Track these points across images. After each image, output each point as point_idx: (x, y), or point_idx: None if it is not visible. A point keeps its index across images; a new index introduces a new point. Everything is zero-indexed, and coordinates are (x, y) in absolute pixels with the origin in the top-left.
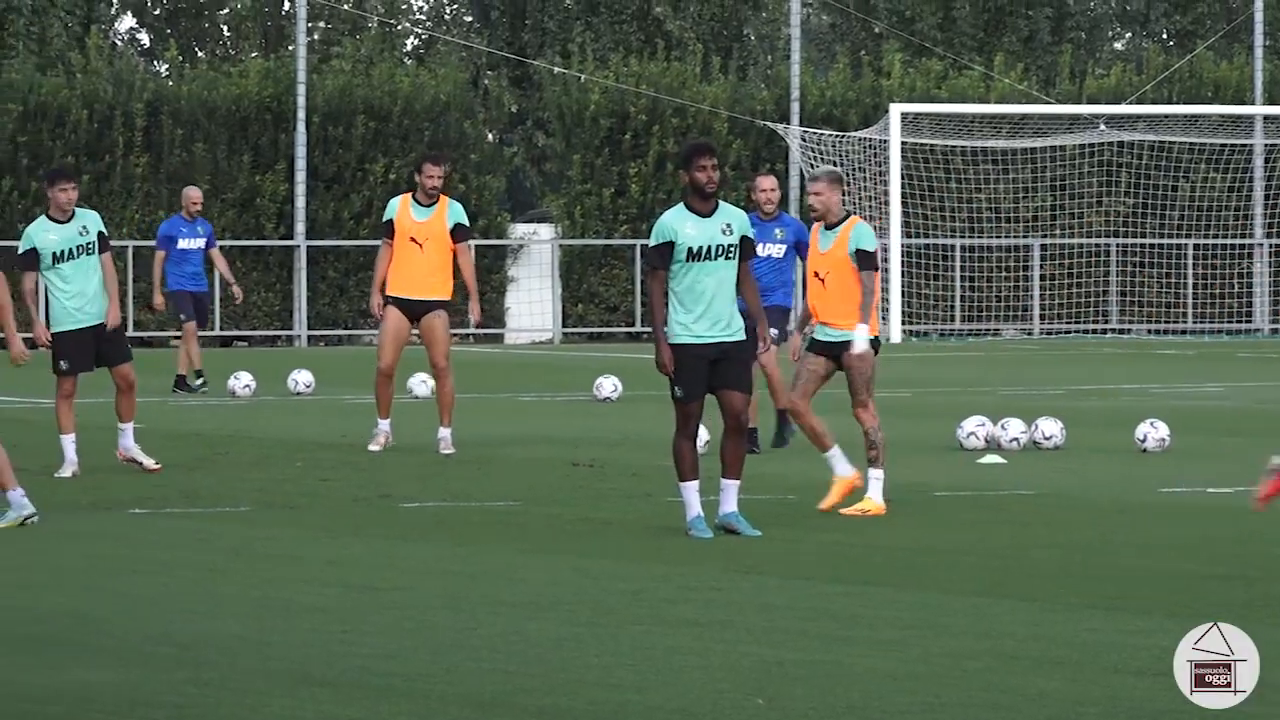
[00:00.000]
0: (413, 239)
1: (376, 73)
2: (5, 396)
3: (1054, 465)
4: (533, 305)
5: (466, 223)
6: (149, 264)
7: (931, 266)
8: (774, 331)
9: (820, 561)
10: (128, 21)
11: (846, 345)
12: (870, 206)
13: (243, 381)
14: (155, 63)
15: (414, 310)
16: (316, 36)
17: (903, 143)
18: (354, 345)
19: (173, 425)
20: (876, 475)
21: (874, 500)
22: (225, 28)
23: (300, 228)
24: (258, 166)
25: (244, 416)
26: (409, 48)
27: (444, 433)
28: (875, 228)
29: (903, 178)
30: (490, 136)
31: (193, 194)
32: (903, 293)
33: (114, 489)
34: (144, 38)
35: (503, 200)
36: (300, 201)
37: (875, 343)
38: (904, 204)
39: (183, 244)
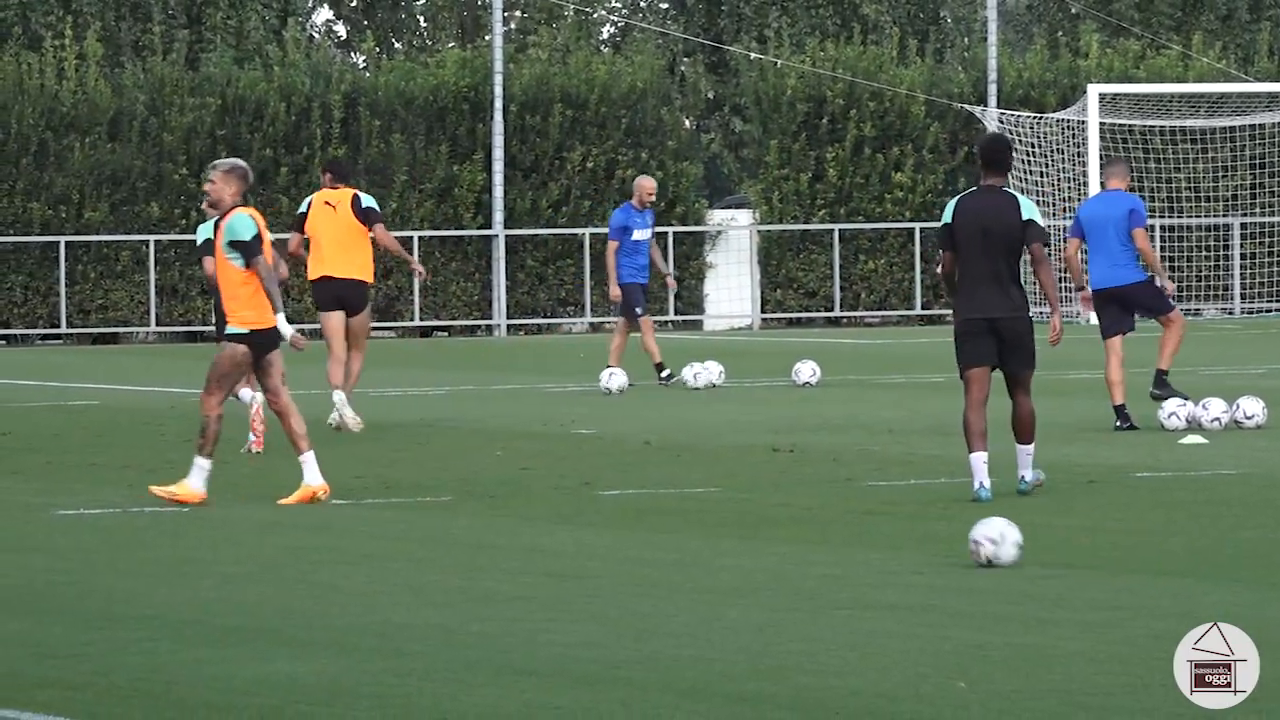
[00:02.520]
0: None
1: (573, 61)
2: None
3: (1256, 445)
4: (731, 291)
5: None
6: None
7: None
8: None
9: (1025, 543)
10: (324, 14)
11: None
12: (1069, 187)
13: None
14: (352, 54)
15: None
16: (513, 26)
17: (1100, 123)
18: (553, 334)
19: (372, 416)
20: (202, 465)
21: (190, 487)
22: (421, 19)
23: (498, 217)
24: (455, 156)
25: (443, 406)
26: (605, 36)
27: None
28: (1074, 209)
29: (1101, 158)
30: (687, 123)
31: (646, 184)
32: None
33: None
34: (340, 29)
35: (700, 187)
36: (498, 191)
37: (251, 335)
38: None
39: (637, 235)
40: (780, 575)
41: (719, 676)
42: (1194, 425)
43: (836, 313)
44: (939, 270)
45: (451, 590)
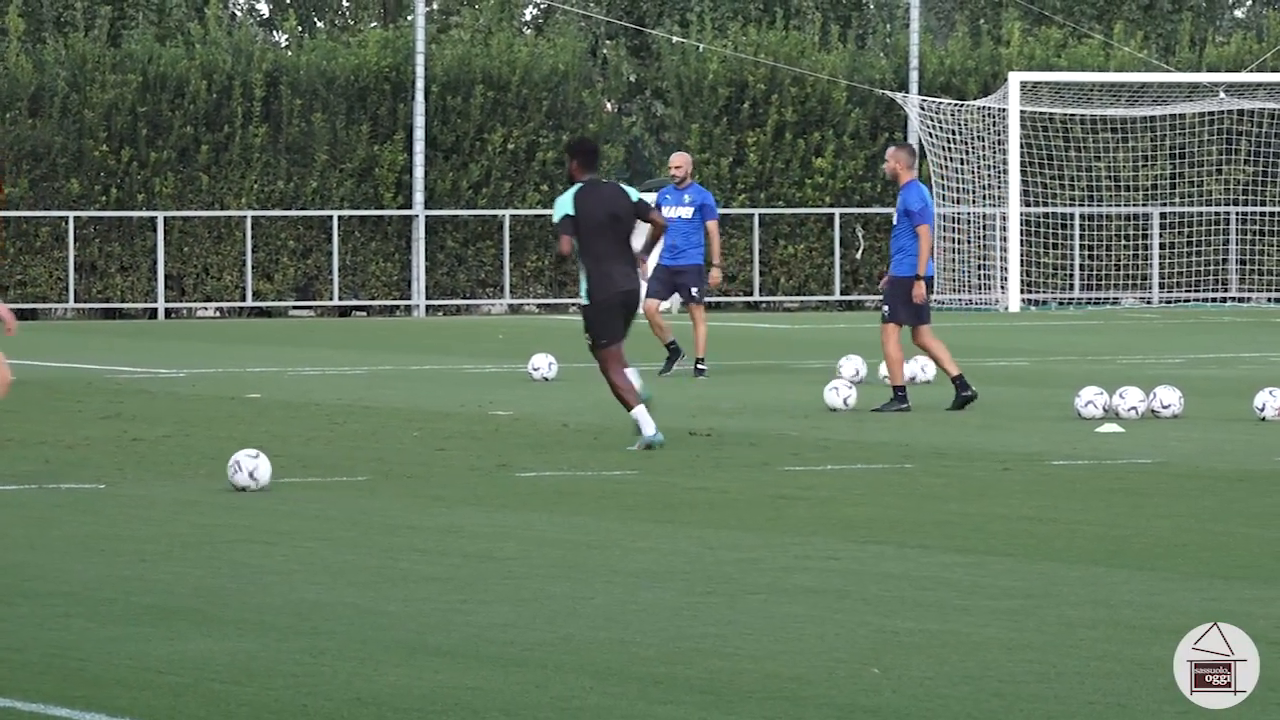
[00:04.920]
0: None
1: (495, 42)
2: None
3: (1173, 434)
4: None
5: None
6: (267, 234)
7: (1050, 235)
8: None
9: (937, 530)
10: None
11: None
12: (989, 175)
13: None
14: (274, 33)
15: None
16: (435, 6)
17: (1022, 111)
18: (472, 315)
19: (289, 395)
20: None
21: None
22: None
23: (419, 197)
24: (376, 136)
25: (361, 386)
26: (527, 17)
27: None
28: (994, 196)
29: (1022, 146)
30: (609, 106)
31: (674, 159)
32: (1022, 261)
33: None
34: (263, 8)
35: (621, 170)
36: (419, 171)
37: None
38: (1023, 172)
39: (666, 211)
40: (696, 559)
41: (634, 659)
42: (1111, 414)
43: (756, 297)
44: (560, 251)
45: (367, 570)
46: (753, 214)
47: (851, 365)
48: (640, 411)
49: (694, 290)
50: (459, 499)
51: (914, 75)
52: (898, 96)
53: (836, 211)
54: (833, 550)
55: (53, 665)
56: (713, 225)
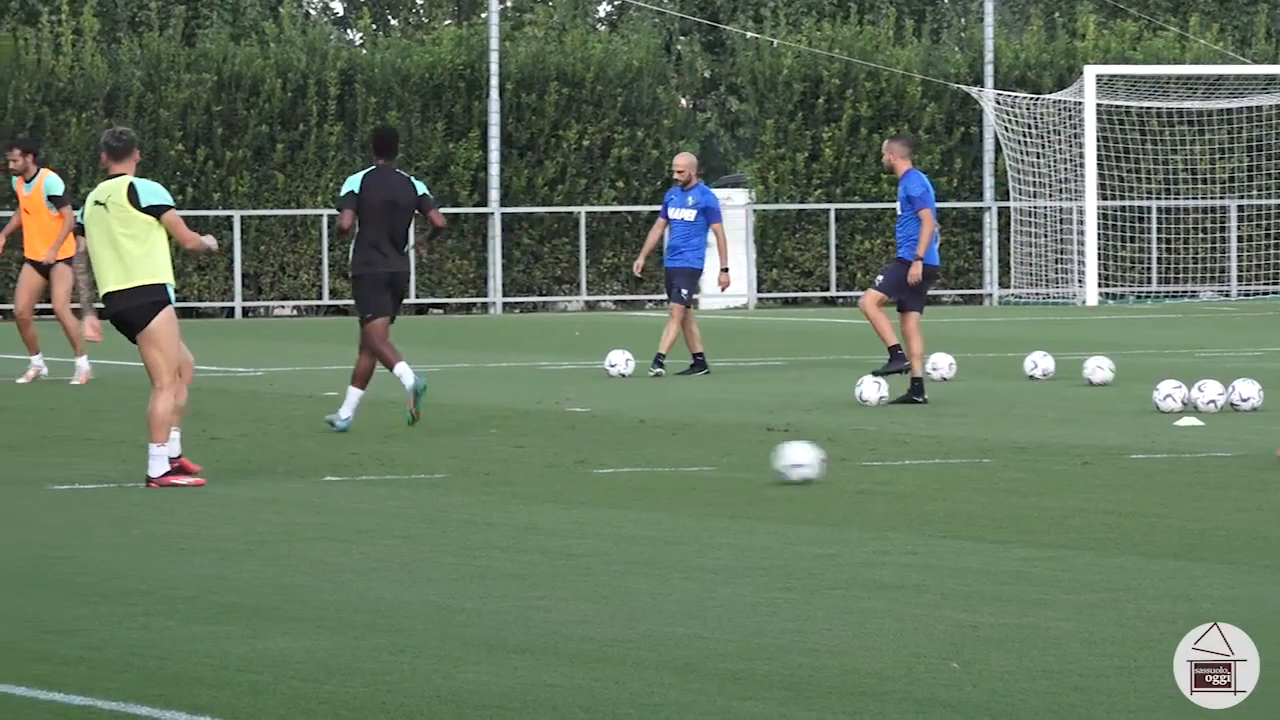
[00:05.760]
0: (25, 209)
1: (569, 39)
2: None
3: (1251, 427)
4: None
5: (59, 191)
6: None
7: (1128, 228)
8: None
9: (1015, 525)
10: None
11: None
12: (1065, 169)
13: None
14: (348, 31)
15: (42, 269)
16: (509, 3)
17: (1097, 104)
18: (549, 312)
19: (368, 393)
20: None
21: None
22: None
23: (494, 195)
24: (451, 134)
25: (439, 383)
26: (601, 14)
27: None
28: (1071, 190)
29: (1098, 140)
30: (683, 102)
31: (676, 160)
32: (1099, 255)
33: (308, 456)
34: (337, 6)
35: (696, 166)
36: (494, 169)
37: None
38: (1100, 166)
39: (672, 213)
40: (774, 554)
41: (712, 655)
42: (1189, 408)
43: (832, 292)
44: (341, 225)
45: (445, 567)
46: (828, 209)
47: (944, 361)
48: (402, 367)
49: (683, 291)
50: (537, 496)
51: (989, 69)
52: (973, 91)
53: None
54: (911, 545)
55: (133, 663)
56: (718, 228)
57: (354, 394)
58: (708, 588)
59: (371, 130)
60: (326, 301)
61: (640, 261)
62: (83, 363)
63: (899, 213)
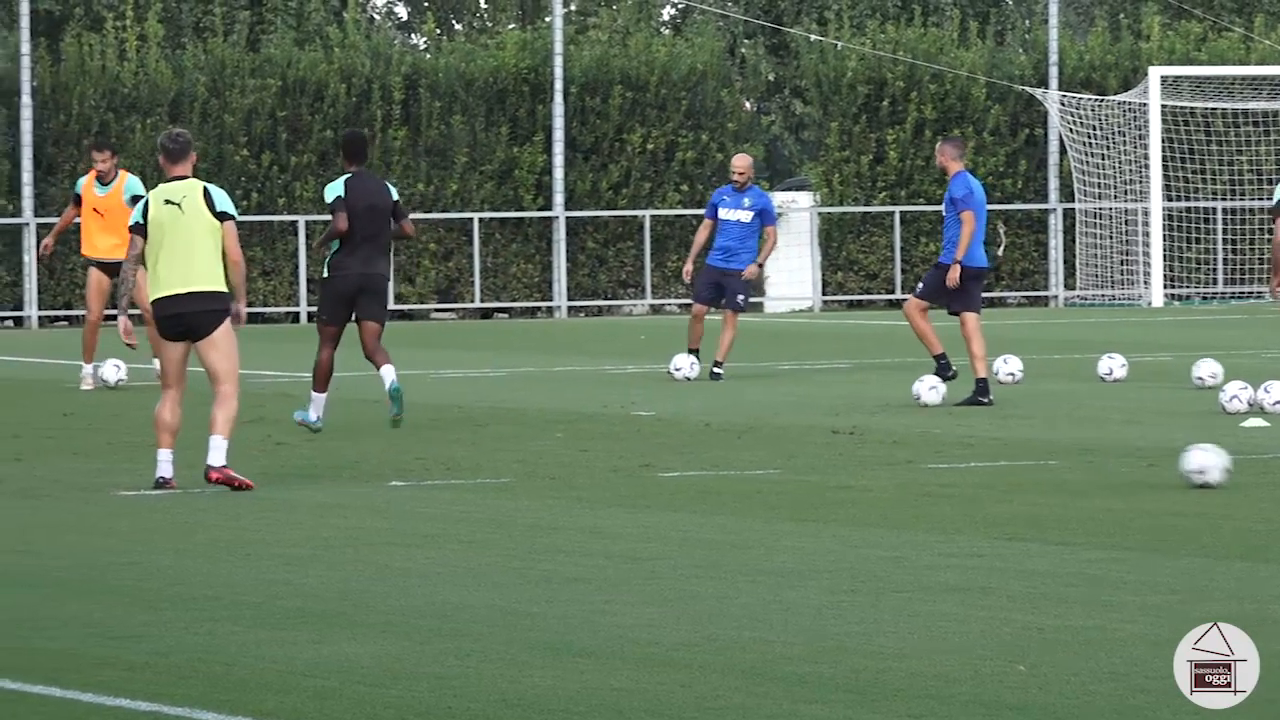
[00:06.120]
0: (95, 209)
1: (633, 43)
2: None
3: None
4: (792, 274)
5: (141, 193)
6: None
7: (1193, 230)
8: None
9: (1081, 527)
10: None
11: None
12: (1130, 170)
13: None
14: (412, 36)
15: (110, 270)
16: (573, 7)
17: (1162, 106)
18: (613, 316)
19: (432, 398)
20: None
21: None
22: (482, 0)
23: (559, 199)
24: (515, 138)
25: (504, 388)
26: (665, 17)
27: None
28: (1136, 191)
29: (1163, 141)
30: (747, 105)
31: (736, 161)
32: (1164, 256)
33: (373, 461)
34: (401, 11)
35: (761, 169)
36: (558, 173)
37: None
38: (1165, 167)
39: (723, 214)
40: (839, 557)
41: (778, 658)
42: (1256, 409)
43: (898, 295)
44: (337, 228)
45: (511, 572)
46: (893, 211)
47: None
48: (319, 399)
49: (739, 297)
50: (602, 500)
51: (1053, 71)
52: (1037, 92)
53: None
54: (977, 547)
55: (198, 669)
56: (771, 230)
57: (317, 398)
58: (773, 591)
59: (343, 136)
60: (392, 306)
61: (689, 266)
62: (90, 370)
63: (944, 214)
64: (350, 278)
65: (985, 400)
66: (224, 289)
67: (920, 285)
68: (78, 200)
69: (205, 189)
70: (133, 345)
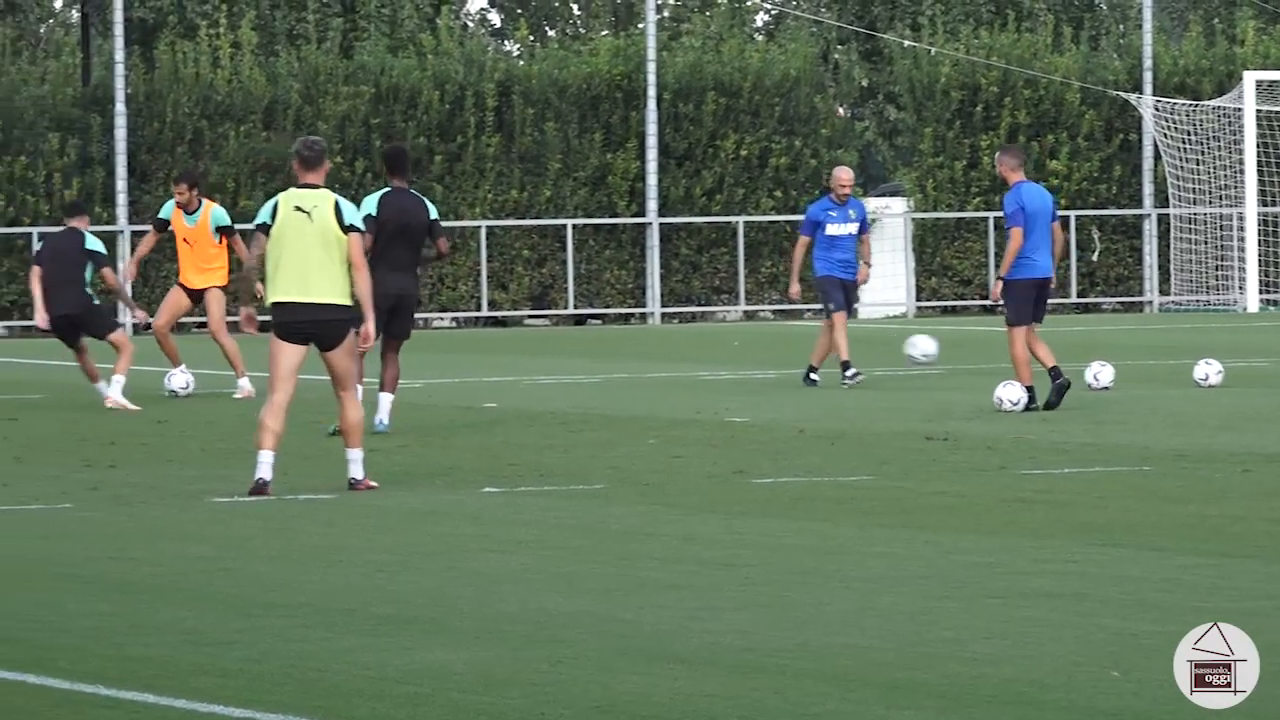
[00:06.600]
0: (184, 239)
1: (726, 49)
2: None
3: None
4: (886, 279)
5: (227, 223)
6: (501, 244)
7: None
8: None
9: (1176, 533)
10: (478, 2)
11: None
12: (1225, 175)
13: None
14: (505, 43)
15: (193, 295)
16: (666, 14)
17: (1257, 110)
18: (707, 322)
19: (526, 404)
20: None
21: None
22: (575, 6)
23: (652, 205)
24: (609, 144)
25: (597, 394)
26: (759, 23)
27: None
28: (1231, 196)
29: (1258, 145)
30: (841, 111)
31: (840, 174)
32: (1260, 261)
33: (467, 468)
34: (494, 18)
35: (855, 175)
36: (652, 179)
37: None
38: (1259, 172)
39: (832, 229)
40: (932, 563)
41: (871, 664)
42: None
43: (991, 300)
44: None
45: (604, 578)
46: (988, 217)
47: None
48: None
49: (854, 305)
50: (695, 506)
51: (1148, 76)
52: (1131, 97)
53: (1072, 214)
54: (1070, 553)
55: (292, 675)
56: (867, 237)
57: (383, 398)
58: (866, 597)
59: (385, 150)
60: (485, 313)
61: (797, 286)
62: (245, 383)
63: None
64: (387, 296)
65: (1035, 406)
66: (345, 301)
67: (1009, 313)
68: (160, 225)
69: (336, 202)
70: (253, 333)
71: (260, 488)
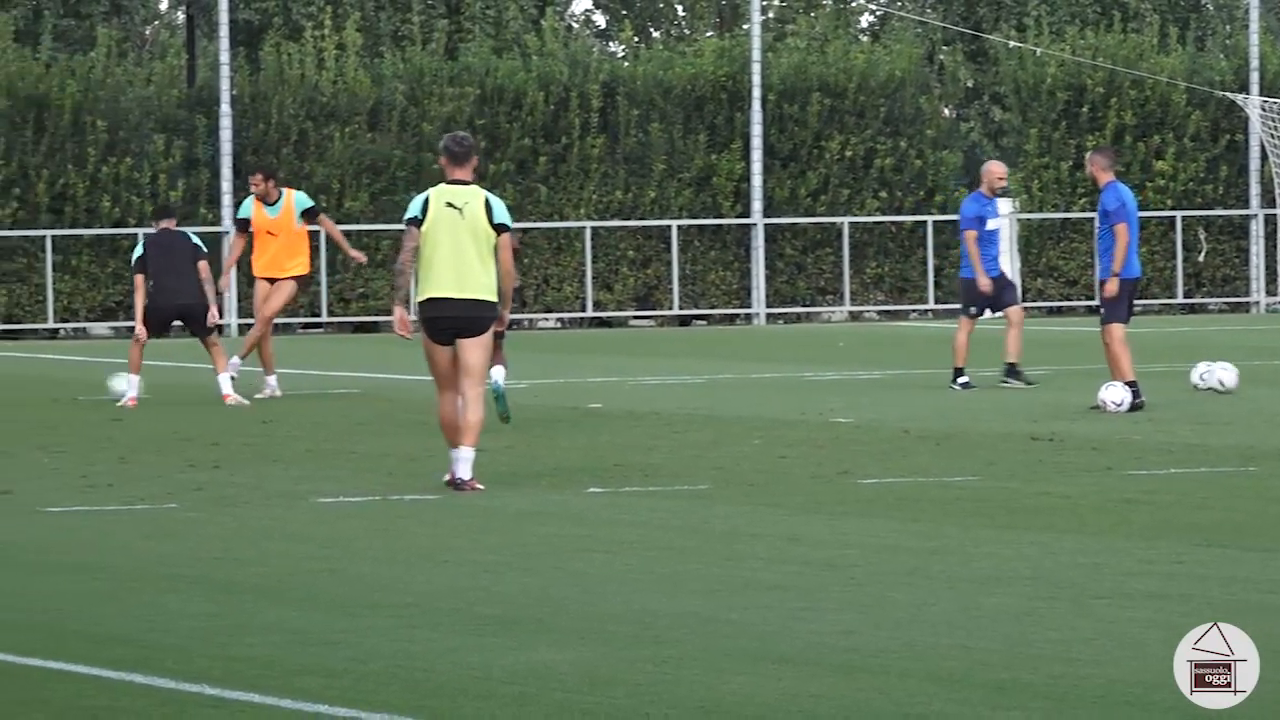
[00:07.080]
0: (269, 232)
1: (831, 50)
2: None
3: None
4: None
5: (311, 204)
6: (606, 245)
7: None
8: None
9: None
10: (583, 3)
11: None
12: None
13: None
14: (610, 43)
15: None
16: (771, 15)
17: None
18: (812, 323)
19: (631, 405)
20: None
21: None
22: (680, 7)
23: (757, 205)
24: (713, 145)
25: (702, 394)
26: (864, 24)
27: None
28: None
29: None
30: (946, 112)
31: (995, 169)
32: None
33: (572, 468)
34: (599, 19)
35: (960, 176)
36: (757, 180)
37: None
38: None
39: (990, 223)
40: (1038, 564)
41: (977, 665)
42: None
43: (1099, 301)
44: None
45: (709, 578)
46: (1093, 218)
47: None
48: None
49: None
50: (800, 506)
51: (1254, 76)
52: (1238, 98)
53: (1178, 214)
54: (1177, 554)
55: (397, 675)
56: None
57: (497, 370)
58: (971, 598)
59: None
60: (590, 314)
61: (987, 279)
62: (272, 380)
63: (1097, 226)
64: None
65: (1141, 401)
66: (493, 298)
67: (1103, 311)
68: (243, 225)
69: (487, 199)
70: (407, 336)
71: (458, 486)
